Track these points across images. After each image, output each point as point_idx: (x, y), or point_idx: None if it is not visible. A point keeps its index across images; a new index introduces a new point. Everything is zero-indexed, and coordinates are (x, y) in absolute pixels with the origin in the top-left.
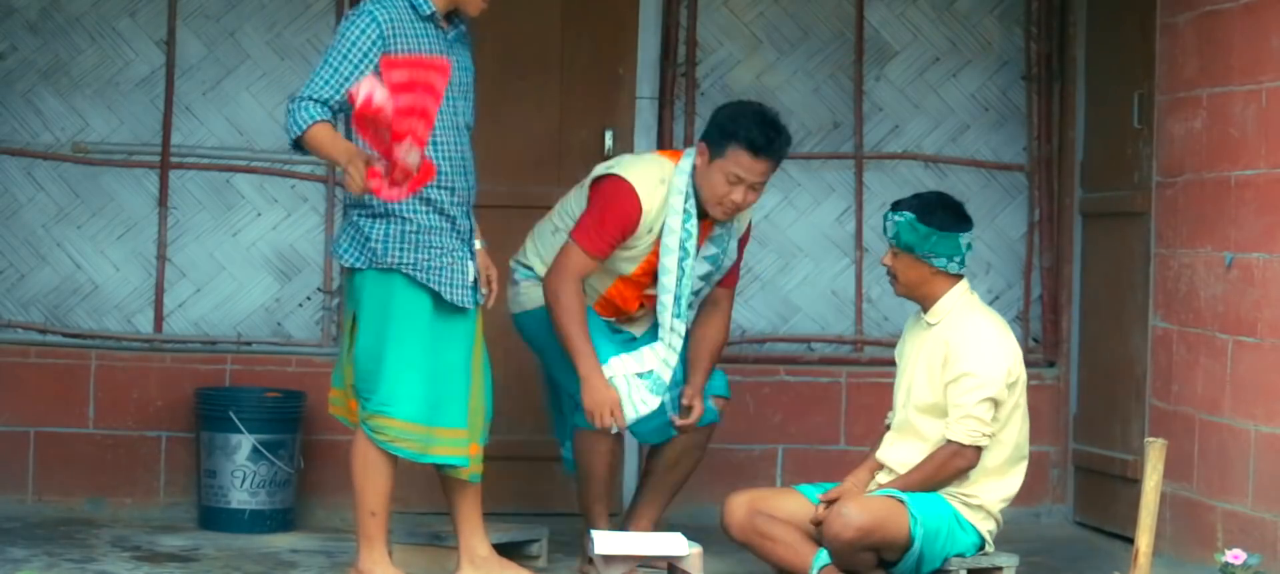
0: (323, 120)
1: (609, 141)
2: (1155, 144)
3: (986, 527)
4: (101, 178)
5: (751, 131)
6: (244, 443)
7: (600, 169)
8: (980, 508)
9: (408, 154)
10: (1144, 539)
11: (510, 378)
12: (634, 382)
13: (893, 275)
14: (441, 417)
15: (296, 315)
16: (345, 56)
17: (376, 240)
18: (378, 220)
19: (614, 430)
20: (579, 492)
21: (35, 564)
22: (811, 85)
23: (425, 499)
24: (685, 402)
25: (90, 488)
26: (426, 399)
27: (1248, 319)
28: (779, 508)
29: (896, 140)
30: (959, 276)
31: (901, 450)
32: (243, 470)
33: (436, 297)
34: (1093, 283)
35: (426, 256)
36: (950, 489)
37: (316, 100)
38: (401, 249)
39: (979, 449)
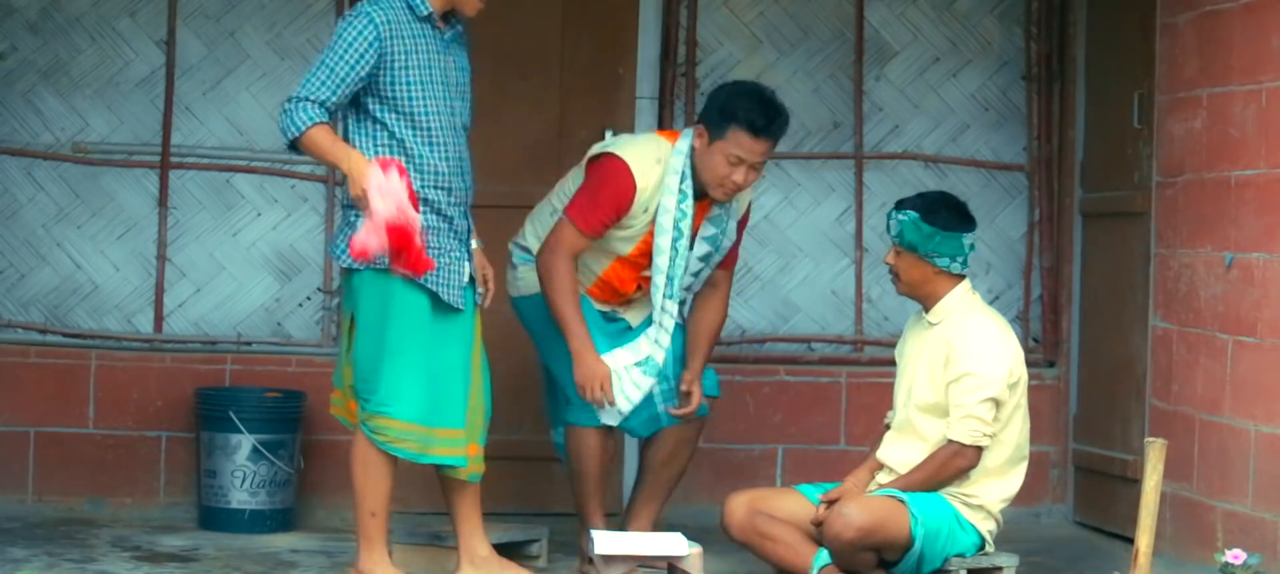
0: (321, 122)
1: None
2: (1155, 144)
3: (987, 527)
4: (101, 178)
5: (752, 112)
6: (244, 443)
7: (597, 148)
8: (980, 508)
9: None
10: (1144, 539)
11: (509, 378)
12: (631, 372)
13: (895, 274)
14: (440, 417)
15: (296, 315)
16: (342, 57)
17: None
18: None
19: (605, 416)
20: (574, 491)
21: (35, 564)
22: (811, 85)
23: (425, 499)
24: (684, 387)
25: (90, 488)
26: (425, 400)
27: (1248, 319)
28: (779, 508)
29: (896, 140)
30: (961, 277)
31: (902, 450)
32: (243, 470)
33: (435, 296)
34: (1093, 283)
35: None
36: (951, 489)
37: (313, 101)
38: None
39: (980, 449)
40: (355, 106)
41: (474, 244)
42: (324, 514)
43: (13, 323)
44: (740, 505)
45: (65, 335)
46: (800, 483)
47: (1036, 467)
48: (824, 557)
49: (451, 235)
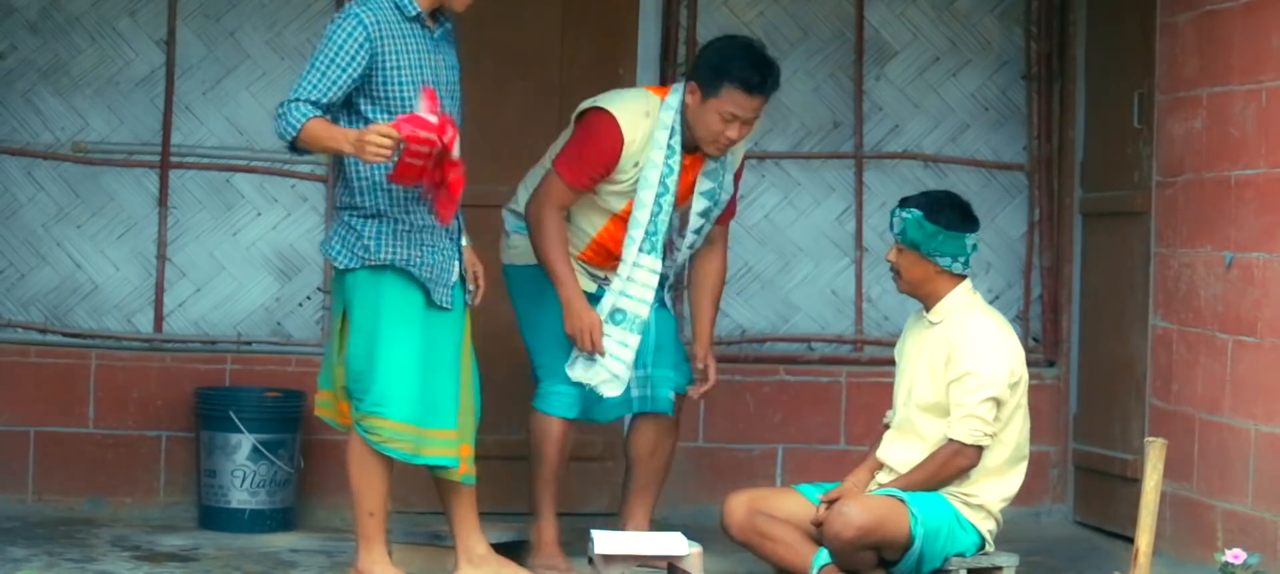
0: (315, 116)
1: None
2: (1155, 144)
3: (987, 526)
4: (101, 178)
5: (744, 69)
6: (244, 442)
7: (585, 103)
8: (980, 507)
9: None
10: (1144, 539)
11: (508, 378)
12: (611, 335)
13: (896, 272)
14: (434, 418)
15: (296, 315)
16: (334, 60)
17: (369, 238)
18: (370, 220)
19: (606, 388)
20: (531, 481)
21: (35, 564)
22: (811, 85)
23: (425, 499)
24: (698, 364)
25: (90, 488)
26: (419, 400)
27: (1248, 319)
28: (779, 508)
29: (896, 140)
30: (963, 276)
31: (902, 449)
32: (243, 470)
33: (427, 297)
34: (1093, 282)
35: (419, 254)
36: (951, 489)
37: (306, 102)
38: (394, 247)
39: (980, 449)
40: (347, 107)
41: (463, 242)
42: (324, 514)
43: (13, 322)
44: (740, 505)
45: (65, 335)
46: (800, 483)
47: (1036, 466)
48: (824, 556)
49: (445, 234)
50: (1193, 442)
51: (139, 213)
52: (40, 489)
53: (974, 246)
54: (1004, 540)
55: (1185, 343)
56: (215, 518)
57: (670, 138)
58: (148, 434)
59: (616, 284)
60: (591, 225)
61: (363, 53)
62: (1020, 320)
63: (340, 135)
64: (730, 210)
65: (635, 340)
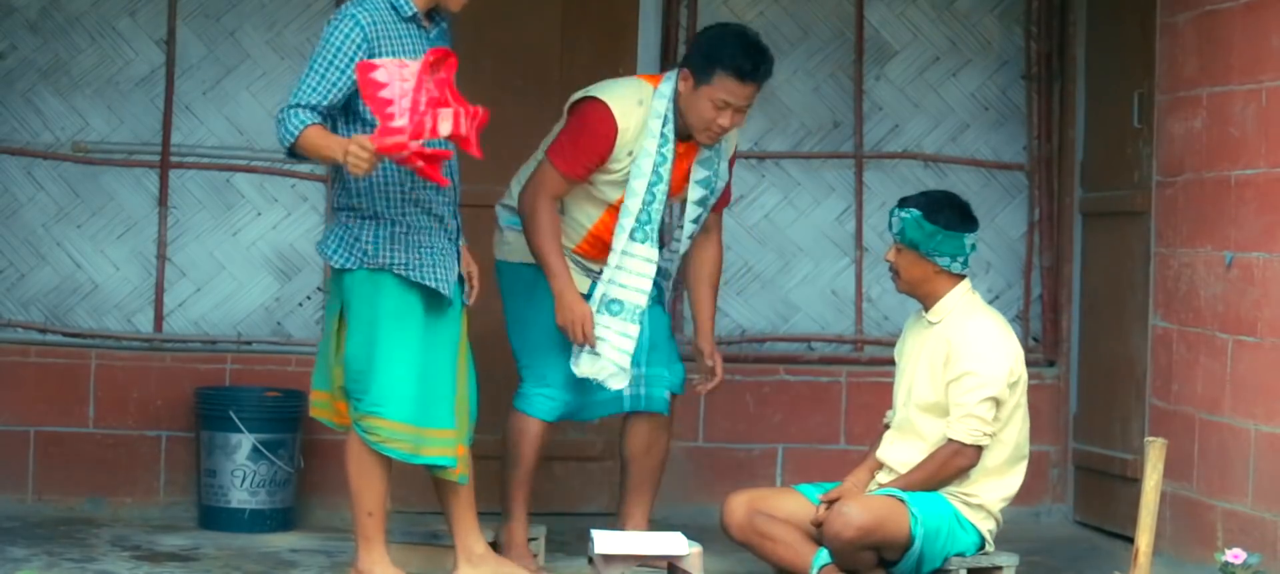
0: (313, 123)
1: None
2: (1155, 143)
3: (987, 526)
4: (101, 177)
5: (737, 57)
6: (244, 442)
7: (578, 93)
8: (980, 507)
9: (443, 121)
10: (1144, 539)
11: (509, 377)
12: (611, 327)
13: (895, 271)
14: (431, 417)
15: (296, 315)
16: (331, 62)
17: (367, 241)
18: (368, 221)
19: (613, 381)
20: (504, 480)
21: (35, 564)
22: (811, 85)
23: (424, 499)
24: (707, 360)
25: (90, 487)
26: (417, 400)
27: (1248, 319)
28: (779, 508)
29: (896, 140)
30: (962, 276)
31: (901, 450)
32: (243, 470)
33: (426, 297)
34: (1093, 282)
35: (417, 257)
36: (950, 488)
37: (305, 107)
38: (392, 249)
39: (980, 448)
40: (344, 109)
41: (459, 242)
42: (324, 514)
43: (13, 322)
44: (740, 505)
45: (65, 335)
46: (800, 483)
47: (1036, 466)
48: (824, 556)
49: (443, 234)
50: (1193, 442)
51: (139, 213)
52: (40, 489)
53: (973, 246)
54: (1004, 540)
55: (1185, 343)
56: (215, 518)
57: (664, 126)
58: (148, 434)
59: (608, 273)
60: (587, 217)
61: (360, 54)
62: (1020, 320)
63: (335, 145)
64: (725, 198)
65: (636, 330)
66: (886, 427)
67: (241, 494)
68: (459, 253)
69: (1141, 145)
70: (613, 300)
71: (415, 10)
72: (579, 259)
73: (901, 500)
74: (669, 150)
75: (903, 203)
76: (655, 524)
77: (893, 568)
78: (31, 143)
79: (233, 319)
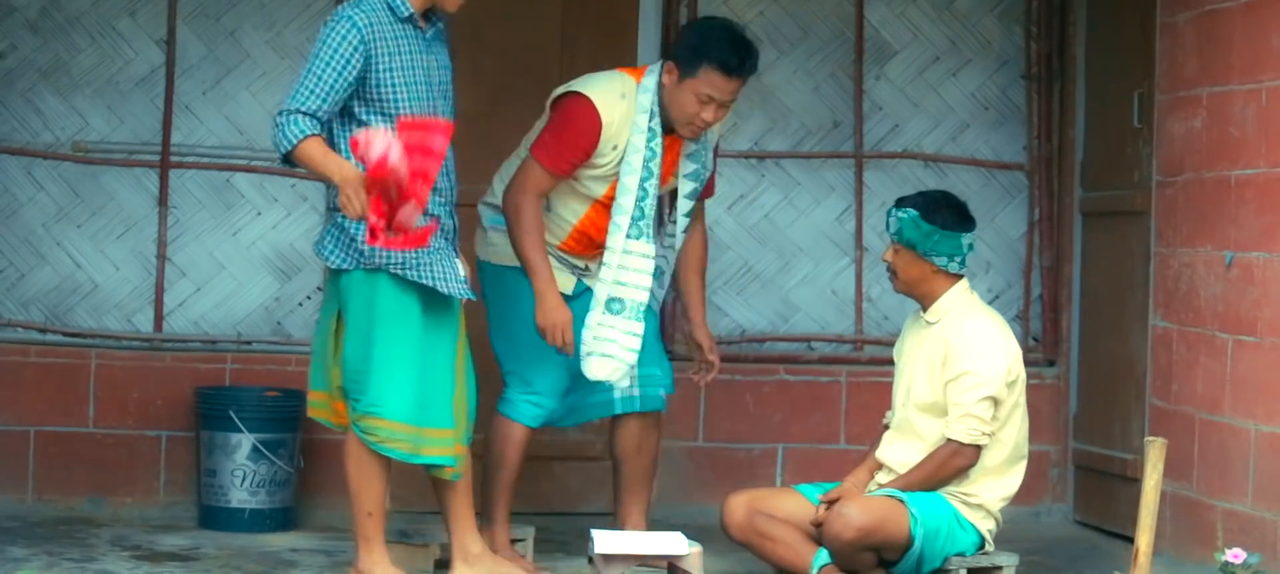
0: (313, 134)
1: None
2: (1155, 143)
3: (986, 526)
4: (101, 177)
5: (723, 52)
6: (244, 442)
7: (560, 88)
8: (980, 507)
9: (411, 216)
10: (1144, 539)
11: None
12: (613, 326)
13: (892, 271)
14: (430, 417)
15: (296, 315)
16: (329, 64)
17: (364, 241)
18: (364, 221)
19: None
20: (486, 484)
21: (35, 564)
22: (811, 84)
23: (423, 499)
24: (707, 355)
25: (90, 487)
26: (416, 399)
27: (1248, 318)
28: (779, 508)
29: (896, 139)
30: (959, 276)
31: (901, 450)
32: (243, 470)
33: (423, 297)
34: (1092, 282)
35: (414, 257)
36: (950, 488)
37: (304, 113)
38: (389, 251)
39: (979, 448)
40: (341, 110)
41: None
42: (324, 513)
43: (13, 322)
44: (740, 505)
45: (65, 335)
46: (800, 483)
47: (1036, 466)
48: (824, 557)
49: (440, 234)
50: (1193, 441)
51: (139, 212)
52: (40, 489)
53: (970, 246)
54: (1004, 540)
55: (1185, 343)
56: (215, 517)
57: (650, 120)
58: (148, 434)
59: (608, 273)
60: (572, 213)
61: (357, 56)
62: (1020, 320)
63: (334, 166)
64: (709, 188)
65: (640, 327)
66: (886, 427)
67: (241, 494)
68: (458, 253)
69: (1141, 145)
70: (615, 300)
71: (412, 10)
72: (564, 256)
73: (901, 501)
74: (657, 144)
75: (900, 202)
76: (655, 524)
77: (893, 568)
78: (31, 143)
79: (233, 319)
